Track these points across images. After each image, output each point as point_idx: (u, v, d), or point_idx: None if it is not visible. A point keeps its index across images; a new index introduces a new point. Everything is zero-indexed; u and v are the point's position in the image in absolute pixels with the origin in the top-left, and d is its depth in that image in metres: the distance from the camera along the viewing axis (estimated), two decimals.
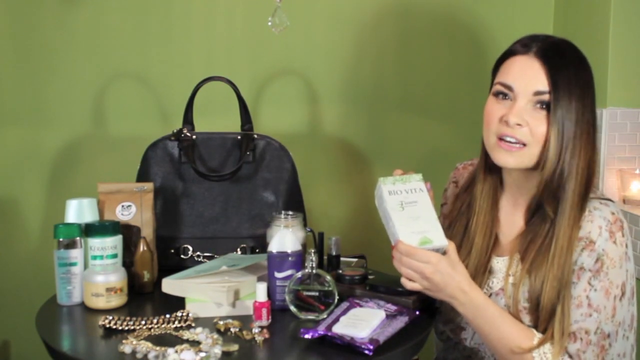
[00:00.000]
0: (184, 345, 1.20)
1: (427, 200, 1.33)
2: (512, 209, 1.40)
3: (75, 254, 1.45)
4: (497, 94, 1.32)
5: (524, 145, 1.28)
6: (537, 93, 1.27)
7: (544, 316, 1.27)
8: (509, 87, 1.30)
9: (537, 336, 1.27)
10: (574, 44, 1.34)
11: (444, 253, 1.27)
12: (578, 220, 1.28)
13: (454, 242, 1.40)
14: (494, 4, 2.16)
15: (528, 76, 1.28)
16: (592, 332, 1.24)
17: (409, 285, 1.28)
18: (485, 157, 1.38)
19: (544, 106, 1.27)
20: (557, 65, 1.27)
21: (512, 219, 1.39)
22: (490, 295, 1.36)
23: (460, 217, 1.45)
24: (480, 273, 1.38)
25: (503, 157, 1.31)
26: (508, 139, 1.29)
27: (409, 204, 1.32)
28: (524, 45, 1.31)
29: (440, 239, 1.28)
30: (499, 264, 1.38)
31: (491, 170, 1.40)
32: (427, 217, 1.31)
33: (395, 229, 1.28)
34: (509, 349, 1.26)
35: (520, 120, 1.27)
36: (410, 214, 1.31)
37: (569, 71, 1.28)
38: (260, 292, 1.32)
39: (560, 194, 1.28)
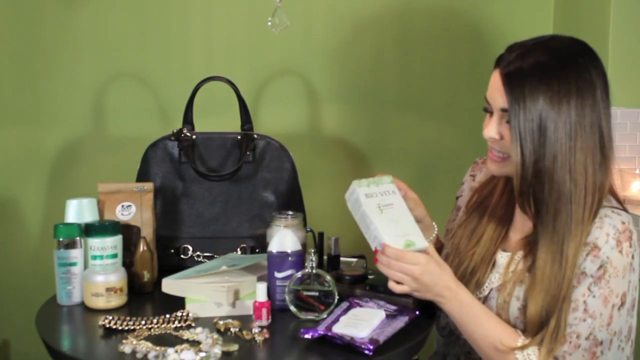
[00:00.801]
0: (184, 345, 1.20)
1: (402, 202, 1.36)
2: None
3: (75, 254, 1.45)
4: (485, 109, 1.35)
5: (507, 157, 1.30)
6: (503, 110, 1.28)
7: (531, 325, 1.27)
8: (488, 102, 1.32)
9: (522, 338, 1.26)
10: (562, 42, 1.28)
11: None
12: (575, 241, 1.25)
13: (468, 230, 1.43)
14: (493, 4, 2.16)
15: (494, 93, 1.29)
16: (582, 336, 1.23)
17: (397, 288, 1.28)
18: None
19: (509, 122, 1.27)
20: (515, 78, 1.24)
21: (523, 218, 1.39)
22: (490, 291, 1.36)
23: (478, 207, 1.46)
24: (485, 263, 1.38)
25: (490, 166, 1.36)
26: (492, 151, 1.34)
27: (386, 207, 1.34)
28: (499, 58, 1.31)
29: (421, 240, 1.31)
30: (503, 258, 1.38)
31: None
32: (405, 220, 1.33)
33: (379, 232, 1.30)
34: (492, 346, 1.26)
35: (492, 134, 1.30)
36: (389, 217, 1.32)
37: (531, 80, 1.23)
38: (260, 292, 1.32)
39: (542, 209, 1.26)
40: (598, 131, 1.26)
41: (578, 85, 1.24)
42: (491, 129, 1.30)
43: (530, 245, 1.32)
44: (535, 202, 1.28)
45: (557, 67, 1.24)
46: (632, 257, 1.26)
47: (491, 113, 1.32)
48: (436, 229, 1.54)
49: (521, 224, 1.39)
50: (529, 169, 1.25)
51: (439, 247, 1.56)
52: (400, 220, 1.33)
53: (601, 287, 1.24)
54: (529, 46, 1.28)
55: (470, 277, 1.38)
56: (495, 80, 1.28)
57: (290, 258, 1.39)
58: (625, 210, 1.30)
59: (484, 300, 1.37)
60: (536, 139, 1.23)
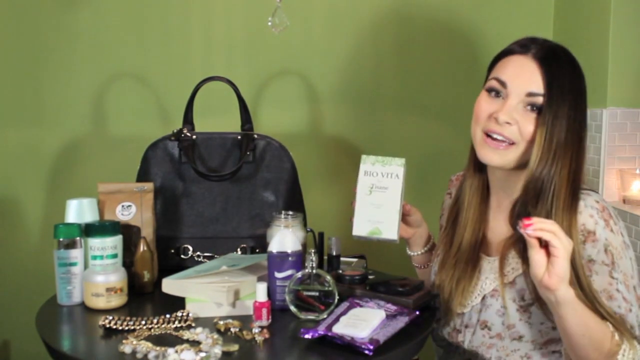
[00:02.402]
0: (184, 345, 1.19)
1: (398, 190, 1.36)
2: (497, 209, 1.40)
3: (75, 254, 1.45)
4: (490, 90, 1.33)
5: (512, 143, 1.30)
6: (530, 94, 1.28)
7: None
8: (503, 84, 1.30)
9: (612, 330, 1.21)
10: (569, 50, 1.35)
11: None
12: (570, 223, 1.26)
13: (447, 240, 1.43)
14: (493, 5, 2.16)
15: (524, 76, 1.29)
16: (636, 326, 1.24)
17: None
18: (475, 153, 1.40)
19: (535, 108, 1.28)
20: (554, 70, 1.28)
21: (497, 220, 1.39)
22: (484, 297, 1.36)
23: (450, 227, 1.46)
24: (470, 269, 1.38)
25: (488, 155, 1.32)
26: (495, 136, 1.30)
27: (379, 189, 1.35)
28: (522, 46, 1.32)
29: (390, 232, 1.33)
30: (490, 264, 1.37)
31: (480, 167, 1.41)
32: (388, 207, 1.34)
33: (354, 211, 1.35)
34: (607, 349, 1.19)
35: (510, 119, 1.29)
36: (374, 201, 1.34)
37: (564, 77, 1.29)
38: (260, 292, 1.32)
39: (543, 197, 1.28)
40: (585, 135, 1.33)
41: (584, 88, 1.32)
42: (508, 112, 1.29)
43: (518, 244, 1.32)
44: (542, 198, 1.29)
45: (577, 70, 1.32)
46: (622, 234, 1.27)
47: (496, 93, 1.31)
48: (432, 240, 1.55)
49: (496, 226, 1.39)
50: (550, 156, 1.27)
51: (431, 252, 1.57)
52: (383, 207, 1.34)
53: (618, 272, 1.25)
54: (552, 45, 1.33)
55: (456, 286, 1.37)
56: (527, 65, 1.29)
57: (290, 258, 1.39)
58: (594, 190, 1.33)
59: (481, 309, 1.37)
60: (563, 132, 1.27)
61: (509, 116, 1.28)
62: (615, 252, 1.25)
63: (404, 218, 1.47)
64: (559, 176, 1.27)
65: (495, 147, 1.30)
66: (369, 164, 1.36)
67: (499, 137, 1.30)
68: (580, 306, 1.17)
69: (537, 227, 1.12)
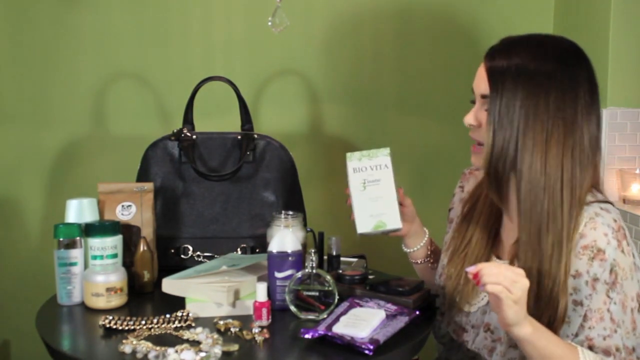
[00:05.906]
0: (184, 345, 1.20)
1: (390, 178, 1.37)
2: (512, 212, 1.40)
3: (76, 254, 1.45)
4: (472, 102, 1.37)
5: (481, 144, 1.32)
6: (483, 96, 1.30)
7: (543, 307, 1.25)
8: (472, 92, 1.35)
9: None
10: (538, 36, 1.31)
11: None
12: (553, 235, 1.24)
13: (454, 244, 1.42)
14: (493, 5, 2.16)
15: (477, 80, 1.32)
16: (621, 348, 1.23)
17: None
18: None
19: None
20: (498, 67, 1.26)
21: (511, 222, 1.39)
22: (489, 300, 1.36)
23: (464, 220, 1.45)
24: None
25: (473, 159, 1.37)
26: (474, 142, 1.35)
27: (372, 183, 1.36)
28: (488, 49, 1.33)
29: (393, 222, 1.34)
30: None
31: None
32: (386, 198, 1.35)
33: (354, 210, 1.34)
34: None
35: (472, 121, 1.33)
36: (370, 195, 1.35)
37: (513, 70, 1.25)
38: (260, 292, 1.32)
39: (520, 199, 1.26)
40: (579, 130, 1.25)
41: (561, 82, 1.24)
42: (470, 115, 1.33)
43: (517, 247, 1.32)
44: (499, 188, 1.29)
45: (540, 63, 1.25)
46: (633, 255, 1.25)
47: (473, 103, 1.35)
48: (427, 234, 1.54)
49: (509, 228, 1.38)
50: (499, 154, 1.26)
51: (432, 251, 1.56)
52: (381, 199, 1.35)
53: (618, 293, 1.22)
54: (517, 40, 1.31)
55: (463, 286, 1.37)
56: (481, 69, 1.31)
57: (290, 258, 1.39)
58: (610, 203, 1.29)
59: (486, 310, 1.36)
60: (510, 128, 1.25)
61: (472, 119, 1.33)
62: (622, 272, 1.23)
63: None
64: (519, 179, 1.25)
65: (475, 150, 1.35)
66: (355, 161, 1.37)
67: (474, 141, 1.35)
68: (540, 341, 1.18)
69: (484, 282, 1.13)
